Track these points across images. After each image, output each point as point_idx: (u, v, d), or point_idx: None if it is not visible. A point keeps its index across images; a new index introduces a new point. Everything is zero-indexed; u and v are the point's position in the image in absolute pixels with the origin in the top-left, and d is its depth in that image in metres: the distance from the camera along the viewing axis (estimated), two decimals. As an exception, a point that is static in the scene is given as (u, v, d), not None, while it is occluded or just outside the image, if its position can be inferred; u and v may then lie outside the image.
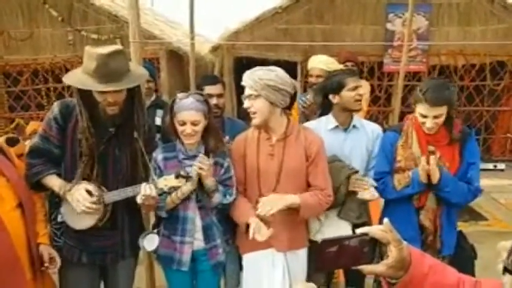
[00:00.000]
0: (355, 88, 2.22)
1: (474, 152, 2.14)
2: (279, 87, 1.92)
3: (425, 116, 2.02)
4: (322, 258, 0.93)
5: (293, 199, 1.94)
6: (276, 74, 1.93)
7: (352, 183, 2.11)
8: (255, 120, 1.98)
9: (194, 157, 1.94)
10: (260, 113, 1.94)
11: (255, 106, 1.94)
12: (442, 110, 1.99)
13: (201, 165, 1.86)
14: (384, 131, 2.36)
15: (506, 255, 0.77)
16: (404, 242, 0.94)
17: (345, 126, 2.29)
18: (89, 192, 1.82)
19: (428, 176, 2.02)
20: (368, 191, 2.08)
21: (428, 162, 1.99)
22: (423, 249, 2.14)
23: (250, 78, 1.93)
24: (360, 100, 2.26)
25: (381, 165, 2.22)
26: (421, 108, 2.02)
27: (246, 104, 1.97)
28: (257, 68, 1.98)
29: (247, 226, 1.90)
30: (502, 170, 6.14)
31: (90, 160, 1.87)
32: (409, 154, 2.12)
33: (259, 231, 1.85)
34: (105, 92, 1.80)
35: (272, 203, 1.87)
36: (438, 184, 2.02)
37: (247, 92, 1.96)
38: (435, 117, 2.00)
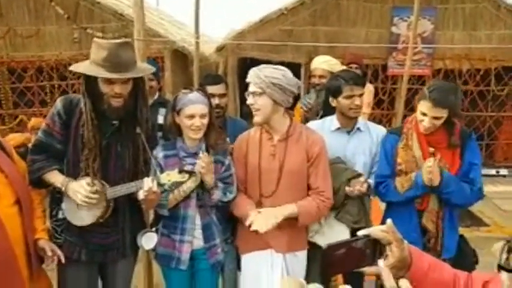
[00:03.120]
0: (351, 97, 2.19)
1: (475, 152, 2.12)
2: (284, 87, 1.91)
3: (424, 114, 2.01)
4: (329, 263, 0.93)
5: (290, 209, 1.93)
6: (282, 74, 1.93)
7: (352, 185, 2.09)
8: (257, 118, 1.97)
9: (195, 154, 1.94)
10: (263, 110, 1.94)
11: (259, 103, 1.93)
12: (443, 113, 1.98)
13: (202, 162, 1.86)
14: None
15: (499, 254, 0.80)
16: (405, 242, 0.96)
17: (348, 128, 2.28)
18: (90, 185, 1.81)
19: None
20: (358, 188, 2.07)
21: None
22: (424, 251, 2.13)
23: (257, 75, 1.92)
24: (355, 109, 2.21)
25: (383, 169, 2.20)
26: (422, 106, 2.01)
27: (250, 100, 1.96)
28: (265, 65, 1.97)
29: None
30: (504, 176, 6.10)
31: (92, 155, 1.86)
32: (410, 156, 2.11)
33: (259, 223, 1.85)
34: (113, 82, 1.80)
35: (269, 217, 1.86)
36: (440, 185, 2.01)
37: (251, 88, 1.95)
38: (434, 118, 1.99)
